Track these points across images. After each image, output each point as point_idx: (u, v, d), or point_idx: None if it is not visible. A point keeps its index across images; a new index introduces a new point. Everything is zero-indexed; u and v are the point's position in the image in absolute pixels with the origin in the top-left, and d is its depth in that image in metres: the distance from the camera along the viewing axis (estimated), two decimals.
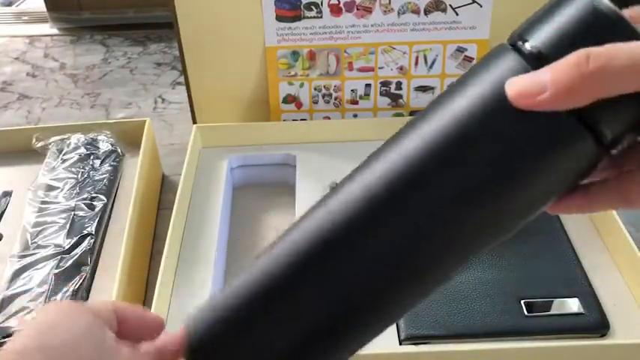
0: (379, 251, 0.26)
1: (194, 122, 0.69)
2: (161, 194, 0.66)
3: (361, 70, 0.66)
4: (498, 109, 0.24)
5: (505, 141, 0.25)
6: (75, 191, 0.57)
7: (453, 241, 0.26)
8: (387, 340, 0.45)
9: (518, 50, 0.25)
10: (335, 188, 0.28)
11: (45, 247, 0.52)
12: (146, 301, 0.54)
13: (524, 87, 0.22)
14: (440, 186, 0.25)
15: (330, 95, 0.68)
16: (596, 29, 0.24)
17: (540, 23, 0.26)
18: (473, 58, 0.64)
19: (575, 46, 0.23)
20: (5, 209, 0.59)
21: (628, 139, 0.24)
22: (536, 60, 0.24)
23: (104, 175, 0.59)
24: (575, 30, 0.24)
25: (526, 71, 0.24)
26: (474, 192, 0.25)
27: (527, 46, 0.25)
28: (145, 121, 0.64)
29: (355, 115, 0.69)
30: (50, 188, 0.58)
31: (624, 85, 0.21)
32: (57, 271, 0.49)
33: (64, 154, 0.61)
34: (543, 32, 0.25)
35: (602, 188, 0.25)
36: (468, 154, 0.25)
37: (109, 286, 0.48)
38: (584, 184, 0.25)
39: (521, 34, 0.26)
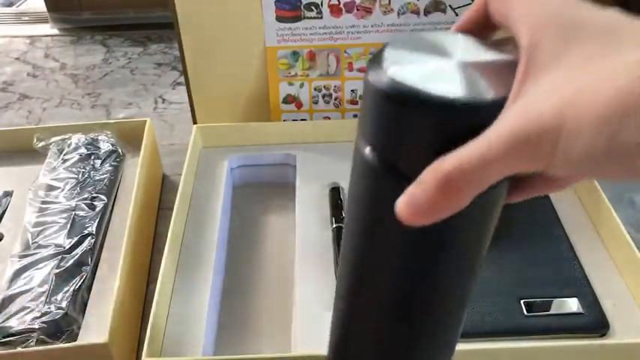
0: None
1: (194, 122, 0.69)
2: (161, 194, 0.66)
3: (361, 70, 0.66)
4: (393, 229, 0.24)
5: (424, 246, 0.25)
6: (75, 191, 0.57)
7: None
8: None
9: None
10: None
11: (45, 246, 0.52)
12: (147, 300, 0.55)
13: (412, 212, 0.22)
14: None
15: (330, 95, 0.68)
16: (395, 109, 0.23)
17: (361, 114, 0.25)
18: None
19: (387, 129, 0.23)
20: (6, 209, 0.59)
21: None
22: (374, 153, 0.24)
23: (105, 175, 0.59)
24: (376, 113, 0.24)
25: (376, 173, 0.24)
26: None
27: (364, 145, 0.25)
28: (145, 121, 0.64)
29: (355, 116, 0.69)
30: (51, 188, 0.58)
31: (493, 177, 0.21)
32: (57, 270, 0.49)
33: (64, 154, 0.61)
34: (363, 123, 0.25)
35: (526, 182, 0.25)
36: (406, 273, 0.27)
37: (110, 286, 0.48)
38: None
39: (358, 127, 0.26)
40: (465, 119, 0.21)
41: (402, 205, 0.22)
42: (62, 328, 0.46)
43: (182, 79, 0.78)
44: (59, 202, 0.56)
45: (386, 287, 0.28)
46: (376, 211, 0.26)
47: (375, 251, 0.27)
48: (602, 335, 0.46)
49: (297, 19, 0.63)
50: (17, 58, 0.94)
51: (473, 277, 0.28)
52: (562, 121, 0.19)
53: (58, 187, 0.58)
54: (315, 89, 0.67)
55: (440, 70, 0.23)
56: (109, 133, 0.64)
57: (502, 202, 0.25)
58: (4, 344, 0.45)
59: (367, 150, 0.25)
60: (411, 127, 0.23)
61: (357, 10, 0.62)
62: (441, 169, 0.21)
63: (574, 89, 0.19)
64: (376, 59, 0.24)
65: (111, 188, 0.59)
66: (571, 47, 0.20)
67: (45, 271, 0.49)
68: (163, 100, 0.83)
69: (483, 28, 0.25)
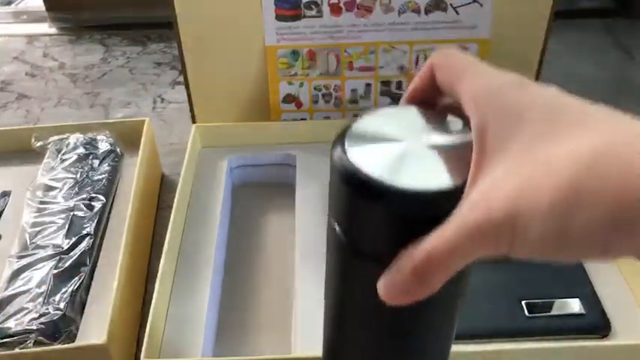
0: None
1: (193, 122, 0.69)
2: (160, 194, 0.66)
3: (361, 69, 0.66)
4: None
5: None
6: (74, 191, 0.57)
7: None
8: None
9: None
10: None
11: (44, 247, 0.51)
12: (146, 300, 0.54)
13: (391, 295, 0.24)
14: None
15: (330, 95, 0.67)
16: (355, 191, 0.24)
17: (329, 186, 0.26)
18: None
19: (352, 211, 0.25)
20: (4, 209, 0.59)
21: None
22: (339, 228, 0.26)
23: (103, 175, 0.59)
24: (342, 197, 0.25)
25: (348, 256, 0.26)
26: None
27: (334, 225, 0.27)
28: (144, 121, 0.64)
29: (355, 115, 0.69)
30: (49, 188, 0.57)
31: (461, 263, 0.22)
32: (56, 271, 0.49)
33: (62, 154, 0.61)
34: (330, 197, 0.26)
35: None
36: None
37: (109, 286, 0.48)
38: None
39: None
40: (421, 210, 0.23)
41: (382, 288, 0.24)
42: (60, 329, 0.46)
43: (181, 79, 0.78)
44: (57, 203, 0.56)
45: (361, 342, 0.30)
46: (345, 280, 0.28)
47: (346, 312, 0.30)
48: (604, 336, 0.46)
49: (297, 18, 0.62)
50: (15, 58, 0.93)
51: (449, 333, 0.30)
52: (516, 213, 0.20)
53: (57, 187, 0.57)
54: (315, 89, 0.67)
55: (399, 156, 0.24)
56: (107, 132, 0.64)
57: (472, 266, 0.27)
58: (2, 345, 0.44)
59: (334, 224, 0.26)
60: (370, 215, 0.24)
61: (358, 8, 0.62)
62: (413, 260, 0.22)
63: (522, 181, 0.20)
64: (341, 138, 0.25)
65: (109, 188, 0.59)
66: (515, 133, 0.21)
67: (43, 271, 0.49)
68: (162, 99, 0.82)
69: (433, 94, 0.27)
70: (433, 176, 0.23)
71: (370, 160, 0.24)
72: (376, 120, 0.26)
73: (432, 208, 0.23)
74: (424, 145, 0.25)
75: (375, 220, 0.24)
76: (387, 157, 0.24)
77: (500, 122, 0.22)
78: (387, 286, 0.24)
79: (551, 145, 0.20)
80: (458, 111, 0.25)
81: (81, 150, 0.61)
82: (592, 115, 0.21)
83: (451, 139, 0.25)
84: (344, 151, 0.24)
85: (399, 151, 0.24)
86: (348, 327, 0.30)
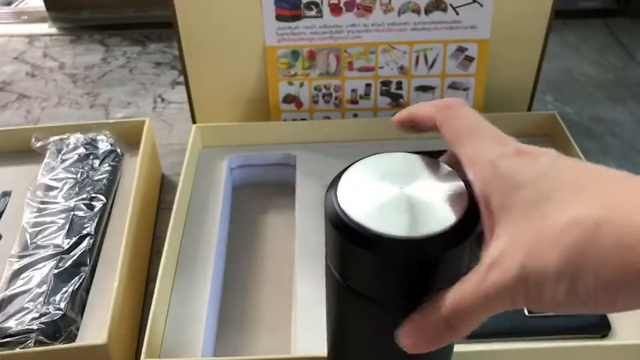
0: None
1: (194, 122, 0.69)
2: (161, 194, 0.66)
3: (361, 69, 0.66)
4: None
5: None
6: (74, 191, 0.57)
7: None
8: None
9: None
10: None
11: (44, 247, 0.51)
12: (146, 301, 0.54)
13: (416, 342, 0.25)
14: None
15: (330, 95, 0.67)
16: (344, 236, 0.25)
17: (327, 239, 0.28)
18: (473, 58, 0.64)
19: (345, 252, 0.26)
20: (4, 209, 0.59)
21: None
22: (332, 264, 0.28)
23: (103, 175, 0.59)
24: (334, 243, 0.26)
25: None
26: None
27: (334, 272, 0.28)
28: (144, 121, 0.64)
29: (355, 115, 0.69)
30: (49, 188, 0.57)
31: (484, 316, 0.24)
32: (56, 271, 0.49)
33: (63, 154, 0.61)
34: (325, 234, 0.27)
35: None
36: None
37: (109, 286, 0.48)
38: None
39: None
40: (408, 256, 0.24)
41: (407, 336, 0.25)
42: (61, 328, 0.46)
43: (181, 79, 0.78)
44: (58, 203, 0.56)
45: None
46: (342, 312, 0.29)
47: (344, 339, 0.31)
48: (604, 336, 0.46)
49: (297, 18, 0.63)
50: (16, 58, 0.93)
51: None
52: (526, 277, 0.22)
53: (57, 187, 0.57)
54: (315, 89, 0.67)
55: (388, 203, 0.25)
56: (107, 132, 0.64)
57: None
58: (2, 345, 0.45)
59: (328, 260, 0.28)
60: (358, 259, 0.25)
61: (358, 9, 0.62)
62: (442, 313, 0.24)
63: (529, 247, 0.22)
64: (334, 184, 0.27)
65: (110, 188, 0.59)
66: (514, 198, 0.23)
67: (44, 271, 0.49)
68: (162, 99, 0.83)
69: (426, 126, 0.29)
70: (419, 223, 0.24)
71: (360, 207, 0.25)
72: (368, 167, 0.28)
73: (418, 254, 0.24)
74: (412, 192, 0.26)
75: (363, 264, 0.25)
76: (377, 205, 0.25)
77: (500, 190, 0.24)
78: (414, 335, 0.25)
79: (549, 208, 0.22)
80: (457, 167, 0.27)
81: (81, 150, 0.61)
82: (587, 182, 0.23)
83: (438, 188, 0.27)
84: (336, 197, 0.26)
85: (389, 198, 0.26)
86: (348, 354, 0.32)
